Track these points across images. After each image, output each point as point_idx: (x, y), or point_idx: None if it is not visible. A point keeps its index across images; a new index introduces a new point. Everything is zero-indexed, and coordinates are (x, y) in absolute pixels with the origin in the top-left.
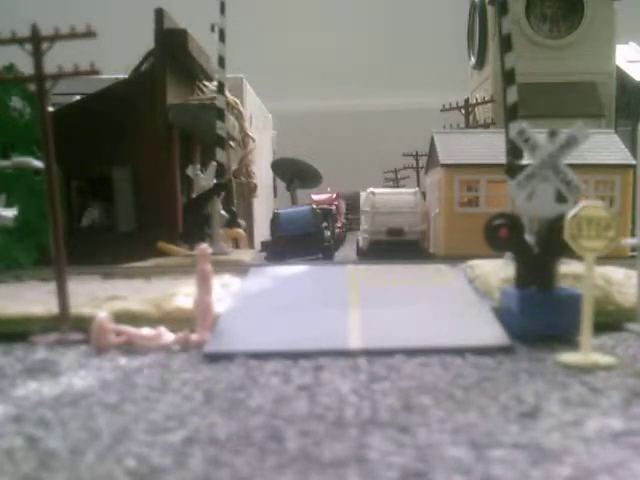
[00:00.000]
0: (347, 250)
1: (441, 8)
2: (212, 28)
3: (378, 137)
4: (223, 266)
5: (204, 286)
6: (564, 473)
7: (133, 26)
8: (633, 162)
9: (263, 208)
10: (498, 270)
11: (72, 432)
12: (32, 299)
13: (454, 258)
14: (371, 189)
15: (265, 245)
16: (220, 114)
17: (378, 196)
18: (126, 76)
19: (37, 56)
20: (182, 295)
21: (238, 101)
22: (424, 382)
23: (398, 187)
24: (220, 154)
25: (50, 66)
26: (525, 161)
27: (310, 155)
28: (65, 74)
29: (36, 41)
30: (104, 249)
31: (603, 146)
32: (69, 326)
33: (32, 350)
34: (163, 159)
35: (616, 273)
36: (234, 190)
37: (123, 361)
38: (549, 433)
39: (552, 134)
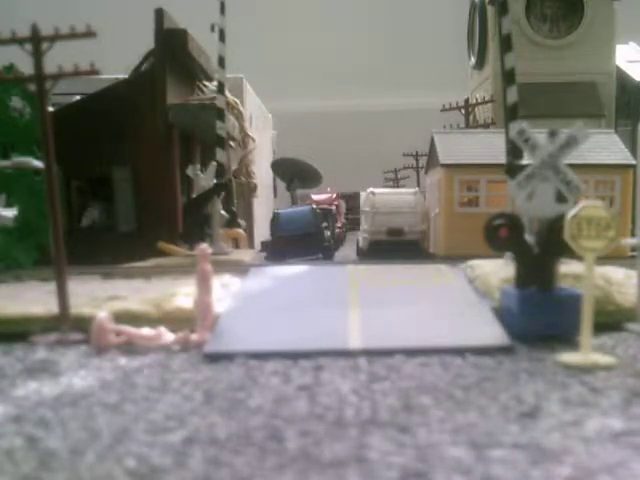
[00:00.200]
0: (347, 250)
1: (441, 8)
2: (212, 28)
3: (378, 137)
4: (223, 266)
5: (204, 286)
6: (564, 473)
7: (133, 26)
8: (633, 162)
9: (263, 208)
10: (498, 270)
11: (72, 432)
12: (32, 299)
13: (454, 258)
14: (371, 189)
15: (265, 245)
16: (220, 114)
17: (378, 196)
18: (126, 76)
19: (37, 56)
20: (182, 295)
21: (238, 101)
22: (424, 382)
23: (398, 187)
24: (220, 154)
25: (50, 66)
26: (525, 161)
27: (310, 155)
28: (65, 74)
29: (36, 41)
30: (104, 249)
31: (603, 146)
32: (69, 326)
33: (32, 350)
34: (163, 159)
35: (616, 273)
36: (234, 190)
37: (123, 361)
38: (549, 433)
39: (552, 134)
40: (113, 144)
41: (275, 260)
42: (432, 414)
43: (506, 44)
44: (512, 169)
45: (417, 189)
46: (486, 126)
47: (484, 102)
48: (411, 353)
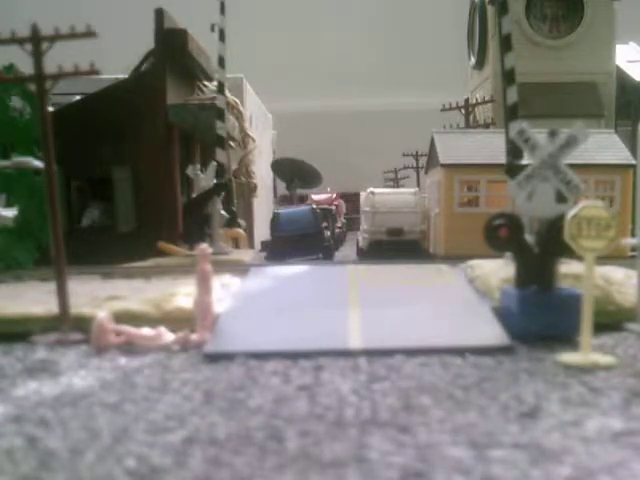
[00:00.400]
0: (347, 250)
1: (441, 8)
2: (212, 28)
3: (378, 137)
4: (223, 266)
5: (204, 286)
6: (564, 473)
7: (133, 26)
8: (633, 162)
9: (263, 208)
10: (498, 270)
11: (72, 432)
12: (32, 299)
13: (454, 258)
14: (371, 189)
15: (265, 245)
16: (220, 114)
17: (378, 196)
18: (126, 76)
19: (37, 56)
20: (182, 295)
21: (238, 101)
22: (424, 382)
23: (398, 187)
24: (220, 154)
25: (50, 66)
26: (525, 161)
27: (310, 155)
28: (65, 74)
29: (36, 41)
30: (104, 249)
31: (603, 146)
32: (69, 326)
33: (32, 350)
34: (163, 159)
35: (616, 273)
36: (234, 190)
37: (123, 361)
38: (549, 433)
39: (552, 134)
40: (113, 144)
41: (275, 260)
42: (432, 414)
43: (506, 44)
44: (512, 169)
45: (417, 189)
46: (486, 126)
47: (484, 102)
48: (411, 353)
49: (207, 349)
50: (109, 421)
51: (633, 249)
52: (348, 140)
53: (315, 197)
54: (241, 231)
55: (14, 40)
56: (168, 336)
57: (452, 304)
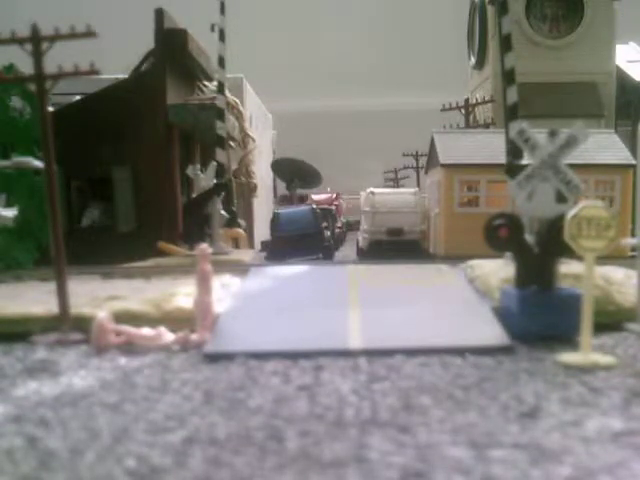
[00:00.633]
0: (347, 250)
1: (441, 8)
2: (212, 28)
3: (378, 137)
4: (223, 266)
5: (204, 286)
6: (564, 473)
7: (133, 26)
8: (633, 162)
9: (263, 208)
10: (498, 270)
11: (72, 432)
12: (32, 299)
13: (454, 258)
14: (371, 189)
15: (265, 245)
16: (220, 114)
17: (378, 196)
18: (126, 76)
19: (37, 56)
20: (182, 295)
21: (238, 101)
22: (424, 382)
23: (398, 187)
24: (220, 154)
25: (50, 66)
26: (525, 161)
27: (310, 155)
28: (65, 74)
29: (36, 41)
30: (104, 249)
31: (603, 146)
32: (69, 326)
33: (32, 350)
34: (163, 159)
35: (616, 273)
36: (234, 190)
37: (123, 361)
38: (549, 433)
39: (552, 134)
40: (113, 144)
41: (275, 260)
42: (432, 414)
43: (506, 44)
44: (512, 169)
45: (417, 189)
46: (486, 126)
47: (484, 102)
48: (411, 353)
49: (207, 349)
50: (109, 421)
51: (633, 249)
52: (348, 140)
53: (315, 197)
54: (241, 231)
55: (14, 40)
56: (168, 336)
57: (452, 304)
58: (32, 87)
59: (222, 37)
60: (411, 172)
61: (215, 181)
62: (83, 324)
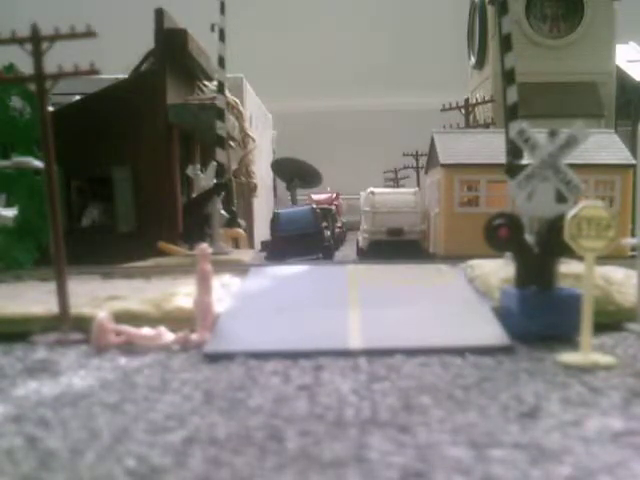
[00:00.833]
0: (347, 250)
1: (441, 8)
2: (212, 28)
3: (378, 137)
4: (223, 266)
5: (204, 286)
6: (564, 473)
7: (133, 26)
8: (633, 162)
9: (263, 208)
10: (498, 270)
11: (72, 432)
12: (32, 299)
13: (454, 258)
14: (371, 189)
15: (265, 245)
16: (220, 114)
17: (378, 196)
18: (126, 76)
19: (37, 56)
20: (182, 295)
21: (238, 101)
22: (424, 382)
23: (398, 187)
24: (220, 154)
25: (50, 66)
26: (525, 161)
27: (310, 155)
28: (65, 74)
29: (36, 41)
30: (104, 249)
31: (603, 146)
32: (69, 326)
33: (32, 350)
34: (163, 159)
35: (616, 273)
36: (234, 190)
37: (123, 361)
38: (549, 433)
39: (552, 134)
40: (113, 144)
41: (275, 260)
42: (432, 414)
43: (506, 44)
44: (512, 169)
45: (417, 189)
46: (486, 126)
47: (484, 102)
48: (411, 353)
49: (207, 349)
50: (109, 421)
51: (633, 249)
52: (348, 140)
53: (315, 197)
54: (241, 231)
55: (14, 40)
56: (168, 336)
57: (452, 304)
58: (32, 87)
59: (222, 37)
60: (411, 172)
61: (215, 181)
62: (83, 324)
